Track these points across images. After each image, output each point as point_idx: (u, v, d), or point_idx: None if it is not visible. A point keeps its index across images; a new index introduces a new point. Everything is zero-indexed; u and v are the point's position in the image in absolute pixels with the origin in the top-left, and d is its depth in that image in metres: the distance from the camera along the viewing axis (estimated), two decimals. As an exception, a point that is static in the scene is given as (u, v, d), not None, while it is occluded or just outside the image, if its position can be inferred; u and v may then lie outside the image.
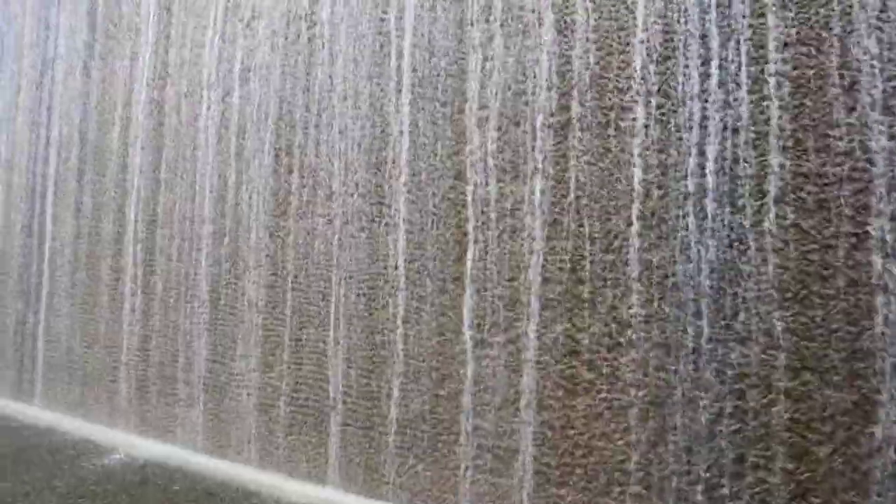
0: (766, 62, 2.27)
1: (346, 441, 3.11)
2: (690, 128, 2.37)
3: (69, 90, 4.68)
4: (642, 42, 2.49)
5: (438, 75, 2.93)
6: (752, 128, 2.28)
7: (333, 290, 3.19)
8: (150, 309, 3.99)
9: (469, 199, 2.81)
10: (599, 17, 2.58)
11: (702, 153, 2.35)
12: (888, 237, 2.06)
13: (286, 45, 3.47)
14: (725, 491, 2.25)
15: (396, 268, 3.00)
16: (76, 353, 4.47)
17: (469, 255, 2.79)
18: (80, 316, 4.46)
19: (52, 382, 4.64)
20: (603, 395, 2.46)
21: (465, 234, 2.81)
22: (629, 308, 2.43)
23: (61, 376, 4.57)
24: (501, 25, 2.79)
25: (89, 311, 4.39)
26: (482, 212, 2.77)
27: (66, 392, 4.52)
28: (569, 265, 2.56)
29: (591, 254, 2.52)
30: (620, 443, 2.42)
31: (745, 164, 2.28)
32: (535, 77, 2.69)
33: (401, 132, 3.03)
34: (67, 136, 4.68)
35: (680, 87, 2.41)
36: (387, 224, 3.04)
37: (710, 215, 2.32)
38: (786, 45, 2.25)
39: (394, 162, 3.04)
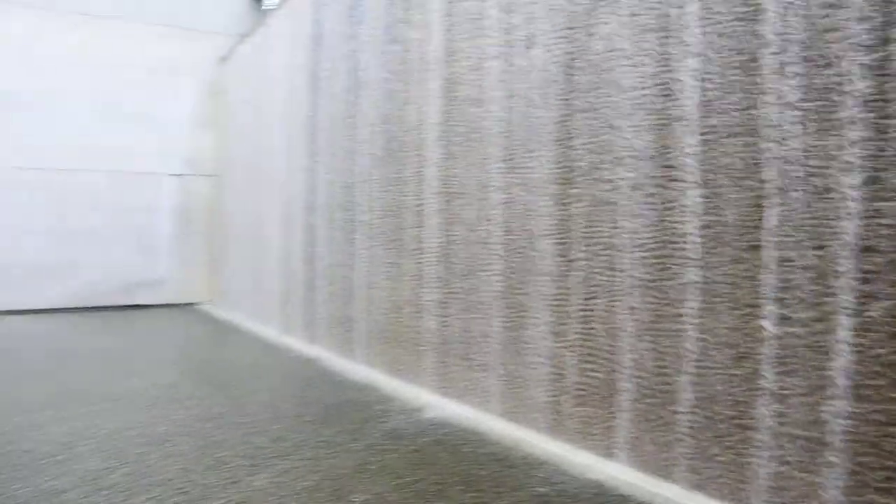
0: None
1: (635, 416, 2.96)
2: None
3: (372, 75, 5.03)
4: None
5: (728, 18, 2.61)
6: None
7: (621, 259, 3.04)
8: (449, 276, 4.17)
9: (768, 156, 2.47)
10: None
11: None
12: None
13: (565, 8, 3.34)
14: None
15: (687, 234, 2.76)
16: (388, 317, 4.85)
17: (769, 220, 2.47)
18: (390, 282, 4.81)
19: (369, 342, 5.10)
20: (938, 386, 2.03)
21: (765, 197, 2.48)
22: (975, 283, 1.97)
23: (377, 337, 4.99)
24: (807, -48, 2.39)
25: (397, 278, 4.72)
26: (784, 170, 2.42)
27: (380, 352, 4.93)
28: (893, 230, 2.14)
29: (922, 216, 2.08)
30: (961, 447, 1.98)
31: None
32: (846, 7, 2.27)
33: (688, 87, 2.76)
34: (373, 116, 5.04)
35: None
36: (676, 188, 2.81)
37: None
38: None
39: (682, 120, 2.78)
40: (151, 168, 9.06)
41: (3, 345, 6.38)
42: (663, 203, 2.85)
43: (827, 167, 2.30)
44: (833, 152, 2.28)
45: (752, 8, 2.53)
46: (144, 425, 3.64)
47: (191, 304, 9.31)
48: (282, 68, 6.99)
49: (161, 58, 9.01)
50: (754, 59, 2.52)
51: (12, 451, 3.20)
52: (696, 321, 2.71)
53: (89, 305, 8.70)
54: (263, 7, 9.30)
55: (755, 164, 2.51)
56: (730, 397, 2.58)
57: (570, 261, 3.30)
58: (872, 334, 2.17)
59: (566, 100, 3.34)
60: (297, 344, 6.19)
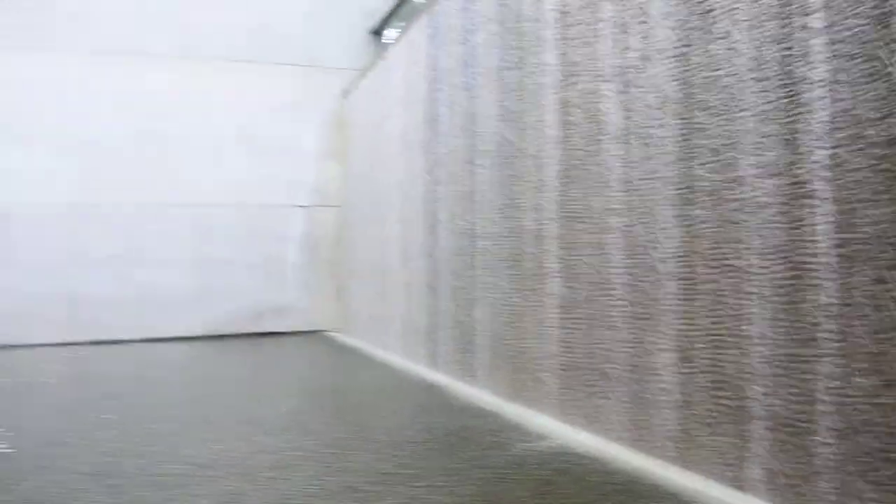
0: None
1: (770, 446, 2.81)
2: None
3: (490, 102, 5.07)
4: None
5: (860, 24, 2.46)
6: None
7: (750, 281, 2.91)
8: (570, 302, 4.11)
9: (909, 168, 2.31)
10: None
11: None
12: None
13: (681, 24, 3.26)
14: None
15: (821, 254, 2.60)
16: (508, 343, 4.83)
17: (912, 237, 2.30)
18: (511, 308, 4.80)
19: (490, 368, 5.09)
20: None
21: (907, 212, 2.32)
22: None
23: (496, 363, 4.98)
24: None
25: (518, 305, 4.70)
26: (929, 183, 2.26)
27: (500, 378, 4.91)
28: None
29: None
30: None
31: None
32: None
33: (816, 98, 2.62)
34: (490, 143, 5.07)
35: None
36: (806, 205, 2.66)
37: None
38: None
39: (809, 133, 2.65)
40: (280, 200, 9.48)
41: (146, 372, 6.80)
42: (793, 222, 2.71)
43: (978, 178, 2.12)
44: (985, 162, 2.11)
45: (882, 10, 2.38)
46: (274, 450, 3.77)
47: (317, 331, 9.61)
48: (400, 100, 7.18)
49: (288, 95, 9.46)
50: (889, 66, 2.37)
51: (156, 473, 3.39)
52: (835, 345, 2.55)
53: (222, 333, 9.14)
54: (383, 41, 9.59)
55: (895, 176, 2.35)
56: (876, 428, 2.40)
57: (696, 284, 3.19)
58: None
59: (685, 118, 3.25)
60: (420, 370, 6.26)
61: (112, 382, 6.23)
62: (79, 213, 8.70)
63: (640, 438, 3.52)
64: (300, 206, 9.59)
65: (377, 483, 3.18)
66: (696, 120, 3.19)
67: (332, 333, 9.44)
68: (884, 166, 2.38)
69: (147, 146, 8.91)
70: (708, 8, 3.12)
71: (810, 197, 2.64)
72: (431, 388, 5.51)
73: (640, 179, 3.53)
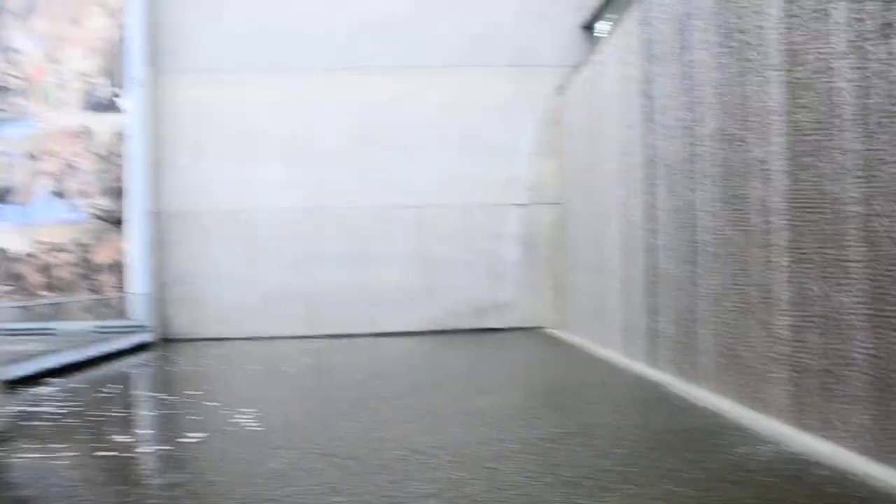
0: None
1: None
2: None
3: (709, 90, 4.85)
4: None
5: None
6: None
7: None
8: (802, 298, 3.83)
9: None
10: None
11: None
12: None
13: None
14: None
15: None
16: (732, 341, 4.59)
17: None
18: (736, 305, 4.56)
19: (713, 367, 4.86)
20: None
21: None
22: None
23: (720, 362, 4.75)
24: None
25: (744, 301, 4.45)
26: None
27: (727, 378, 4.68)
28: None
29: None
30: None
31: None
32: None
33: None
34: (710, 133, 4.84)
35: None
36: None
37: None
38: None
39: None
40: (498, 199, 9.70)
41: (374, 364, 7.28)
42: None
43: None
44: None
45: None
46: (494, 441, 3.87)
47: (536, 327, 9.70)
48: (614, 94, 7.06)
49: (503, 95, 9.67)
50: None
51: (383, 457, 3.61)
52: None
53: (444, 328, 9.53)
54: (595, 35, 9.48)
55: None
56: None
57: (951, 278, 2.85)
58: None
59: (937, 93, 2.91)
60: (640, 368, 6.13)
61: (344, 373, 6.77)
62: (312, 218, 9.55)
63: (889, 451, 3.20)
64: (518, 205, 9.75)
65: (594, 478, 3.17)
66: (949, 94, 2.85)
67: (551, 330, 9.48)
68: None
69: (372, 153, 9.55)
70: (963, -33, 2.77)
71: None
72: (651, 386, 5.38)
73: (883, 163, 3.21)
